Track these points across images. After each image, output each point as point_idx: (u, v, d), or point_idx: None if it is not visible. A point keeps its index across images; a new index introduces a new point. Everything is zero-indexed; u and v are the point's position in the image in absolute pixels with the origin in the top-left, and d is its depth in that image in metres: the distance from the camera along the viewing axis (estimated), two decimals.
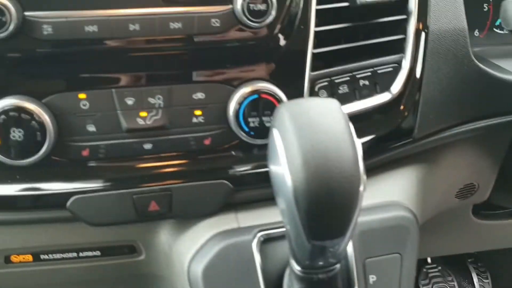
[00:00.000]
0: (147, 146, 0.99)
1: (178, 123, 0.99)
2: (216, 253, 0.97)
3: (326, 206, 0.68)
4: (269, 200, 1.08)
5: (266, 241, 1.00)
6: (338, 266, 0.85)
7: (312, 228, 0.71)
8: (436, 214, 1.48)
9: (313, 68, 1.02)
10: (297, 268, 0.84)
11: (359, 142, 0.71)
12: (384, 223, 1.04)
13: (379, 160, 1.12)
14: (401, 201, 1.11)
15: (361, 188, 0.71)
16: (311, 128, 0.69)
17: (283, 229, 1.00)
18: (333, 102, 0.73)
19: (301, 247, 0.77)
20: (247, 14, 0.90)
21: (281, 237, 1.00)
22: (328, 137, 0.68)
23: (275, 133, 0.72)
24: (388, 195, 1.12)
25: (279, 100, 0.98)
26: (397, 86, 1.09)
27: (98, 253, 1.11)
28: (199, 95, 0.98)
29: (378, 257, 1.03)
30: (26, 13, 0.85)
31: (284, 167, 0.69)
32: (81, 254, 1.11)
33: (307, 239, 0.73)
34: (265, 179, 1.04)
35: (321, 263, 0.81)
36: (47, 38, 0.87)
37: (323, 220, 0.70)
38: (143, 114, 0.97)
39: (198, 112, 0.99)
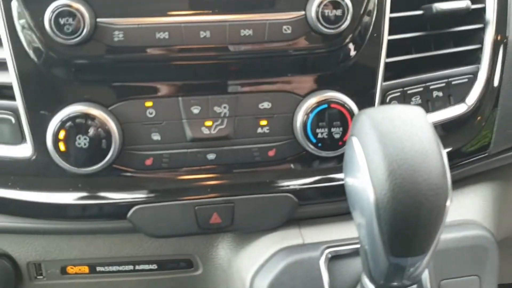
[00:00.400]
0: (211, 156, 0.99)
1: (242, 133, 0.99)
2: (281, 269, 0.96)
3: (411, 220, 0.66)
4: (333, 216, 1.07)
5: (334, 258, 0.98)
6: (414, 286, 0.82)
7: (393, 243, 0.68)
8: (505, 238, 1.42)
9: (384, 78, 1.01)
10: (371, 287, 0.82)
11: (445, 153, 0.69)
12: (460, 243, 1.01)
13: (452, 176, 1.08)
14: (476, 220, 1.08)
15: (448, 202, 0.68)
16: (396, 136, 0.67)
17: (352, 246, 0.98)
18: (418, 110, 0.71)
19: (378, 265, 0.74)
20: (321, 20, 0.90)
21: (349, 254, 0.98)
22: (415, 147, 0.66)
23: (355, 142, 0.71)
24: (462, 214, 1.08)
25: (350, 111, 0.96)
26: (472, 98, 1.06)
27: (154, 266, 1.11)
28: (265, 105, 0.98)
29: (455, 279, 0.99)
30: (99, 19, 0.87)
31: (365, 178, 0.68)
32: (137, 267, 1.11)
33: (387, 255, 0.71)
34: (332, 194, 1.03)
35: (397, 283, 0.79)
36: (117, 44, 0.89)
37: (406, 235, 0.68)
38: (208, 123, 0.97)
39: (263, 122, 0.99)
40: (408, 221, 0.66)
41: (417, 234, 0.67)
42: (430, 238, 0.70)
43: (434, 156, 0.66)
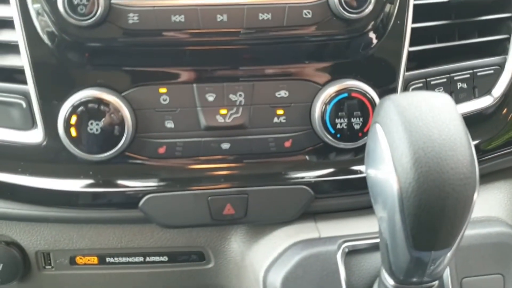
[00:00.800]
0: (225, 145, 0.97)
1: (258, 122, 0.96)
2: (296, 263, 0.93)
3: (436, 212, 0.63)
4: (350, 211, 1.05)
5: (351, 253, 0.96)
6: (436, 283, 0.79)
7: (416, 236, 0.66)
8: None
9: (407, 68, 0.98)
10: (390, 282, 0.79)
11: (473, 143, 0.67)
12: (484, 239, 0.98)
13: None
14: (500, 217, 1.05)
15: (476, 195, 0.66)
16: (422, 123, 0.64)
17: (370, 241, 0.96)
18: (446, 97, 0.68)
19: (400, 258, 0.72)
20: (343, 4, 0.87)
21: (367, 249, 0.96)
22: (442, 134, 0.63)
23: (379, 129, 0.68)
24: (485, 210, 1.05)
25: (371, 101, 0.93)
26: (499, 90, 1.03)
27: (165, 258, 1.09)
28: (282, 93, 0.95)
29: (477, 277, 0.96)
30: (113, 1, 0.85)
31: (388, 167, 0.65)
32: (147, 259, 1.09)
33: (409, 249, 0.68)
34: (349, 187, 1.01)
35: (418, 279, 0.76)
36: (132, 27, 0.87)
37: (431, 228, 0.65)
38: (223, 111, 0.95)
39: (280, 112, 0.96)
40: (433, 213, 0.63)
41: (441, 226, 0.65)
42: (455, 231, 0.67)
43: (462, 144, 0.64)
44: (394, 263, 0.74)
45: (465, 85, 1.03)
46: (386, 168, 0.66)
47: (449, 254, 0.71)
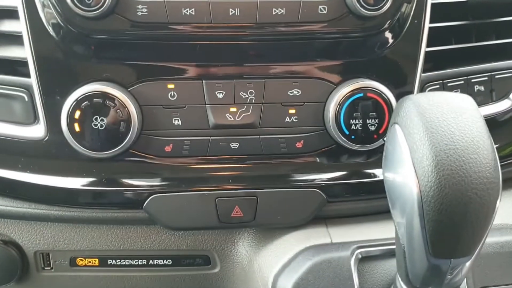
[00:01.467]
0: (234, 145, 0.96)
1: (269, 121, 0.95)
2: (308, 269, 0.92)
3: (458, 218, 0.62)
4: (362, 216, 1.03)
5: (364, 259, 0.94)
6: None
7: (436, 243, 0.65)
8: None
9: (423, 69, 0.96)
10: None
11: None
12: (502, 248, 0.96)
13: None
14: None
15: (499, 200, 0.64)
16: (444, 125, 0.63)
17: (384, 247, 0.94)
18: (467, 98, 0.67)
19: (417, 266, 0.70)
20: (360, 1, 0.86)
21: (381, 256, 0.94)
22: (465, 136, 0.62)
23: (398, 130, 0.67)
24: (501, 217, 1.03)
25: (387, 101, 0.92)
26: None
27: (169, 262, 1.08)
28: (295, 92, 0.94)
29: (495, 287, 0.95)
30: None
31: (408, 170, 0.64)
32: (151, 262, 1.08)
33: (427, 256, 0.67)
34: (363, 191, 1.00)
35: None
36: (140, 19, 0.85)
37: (451, 234, 0.64)
38: (233, 109, 0.94)
39: (292, 111, 0.95)
40: (455, 218, 0.62)
41: (462, 233, 0.63)
42: (477, 238, 0.66)
43: (485, 147, 0.62)
44: (411, 271, 0.73)
45: (482, 88, 1.02)
46: (405, 171, 0.64)
47: (468, 263, 0.70)
